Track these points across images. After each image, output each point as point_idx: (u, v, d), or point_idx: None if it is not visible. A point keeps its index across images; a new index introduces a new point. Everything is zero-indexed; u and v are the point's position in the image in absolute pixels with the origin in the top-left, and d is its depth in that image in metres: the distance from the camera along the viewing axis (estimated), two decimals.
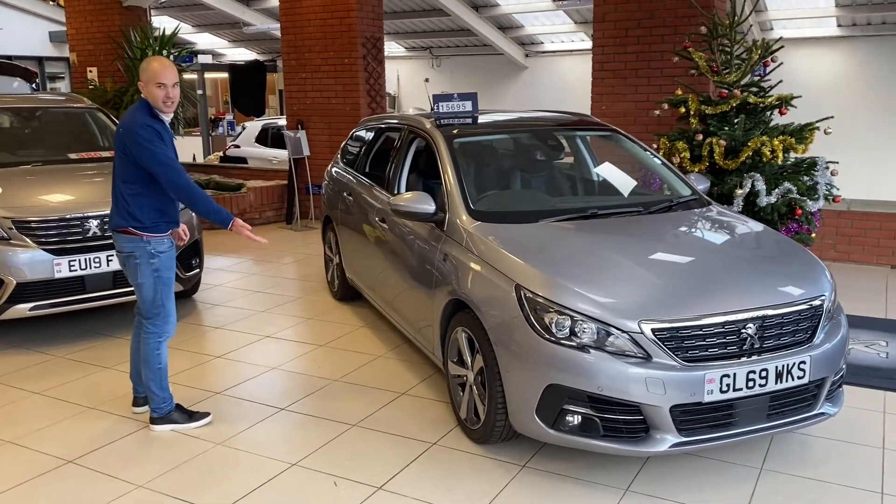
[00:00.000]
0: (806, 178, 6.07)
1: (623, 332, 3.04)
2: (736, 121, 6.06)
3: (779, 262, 3.56)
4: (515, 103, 15.31)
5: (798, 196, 5.93)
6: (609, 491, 3.20)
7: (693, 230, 3.89)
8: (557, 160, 4.80)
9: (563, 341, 3.09)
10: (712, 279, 3.32)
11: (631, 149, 4.73)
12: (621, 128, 5.04)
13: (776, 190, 5.97)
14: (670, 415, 3.01)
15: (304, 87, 9.87)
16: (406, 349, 4.94)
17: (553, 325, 3.12)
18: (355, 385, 4.39)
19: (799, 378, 3.17)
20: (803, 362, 3.17)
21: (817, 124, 5.99)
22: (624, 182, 4.51)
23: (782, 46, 6.19)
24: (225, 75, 17.75)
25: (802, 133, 5.98)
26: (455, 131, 4.53)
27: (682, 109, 6.29)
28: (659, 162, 4.66)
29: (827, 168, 6.06)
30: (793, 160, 6.14)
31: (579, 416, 3.11)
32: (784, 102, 6.00)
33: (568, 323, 3.11)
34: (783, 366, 3.12)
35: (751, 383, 3.07)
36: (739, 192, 5.93)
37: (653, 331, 3.03)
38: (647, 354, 3.02)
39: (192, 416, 3.90)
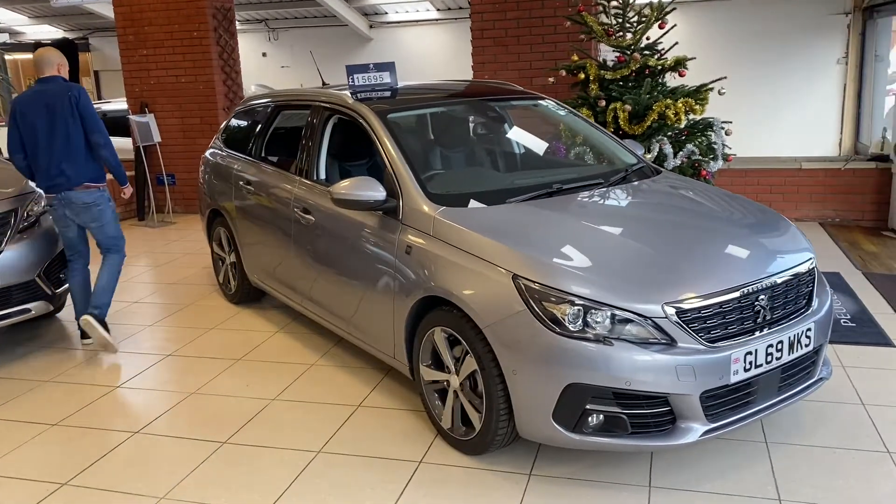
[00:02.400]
0: (704, 139, 6.17)
1: (646, 317, 2.76)
2: (642, 85, 5.99)
3: (767, 228, 3.44)
4: None
5: (700, 157, 6.01)
6: (634, 490, 2.94)
7: (669, 201, 3.68)
8: (499, 133, 4.44)
9: (579, 335, 2.76)
10: (717, 252, 3.13)
11: (565, 118, 4.47)
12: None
13: (681, 152, 6.01)
14: (700, 401, 2.79)
15: (146, 66, 8.80)
16: (339, 353, 4.42)
17: (566, 318, 2.78)
18: (299, 403, 3.83)
19: (806, 346, 3.07)
20: (809, 329, 3.06)
21: (711, 85, 6.07)
22: (577, 152, 4.24)
23: (674, 9, 6.21)
24: (29, 56, 15.63)
25: (699, 94, 6.03)
26: (386, 106, 4.04)
27: (582, 75, 6.15)
28: (597, 129, 4.43)
29: (722, 128, 6.17)
30: (689, 122, 6.19)
31: (602, 416, 2.81)
32: (681, 64, 6.01)
33: (581, 313, 2.78)
34: (794, 335, 3.00)
35: (769, 357, 2.92)
36: (648, 156, 5.91)
37: (677, 313, 2.78)
38: (672, 339, 2.76)
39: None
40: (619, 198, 3.63)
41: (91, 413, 3.83)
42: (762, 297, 2.95)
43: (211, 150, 5.68)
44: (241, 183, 4.96)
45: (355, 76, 4.41)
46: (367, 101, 4.09)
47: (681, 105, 5.82)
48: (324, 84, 5.41)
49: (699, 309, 2.81)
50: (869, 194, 7.18)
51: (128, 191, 4.80)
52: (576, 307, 2.78)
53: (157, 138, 8.60)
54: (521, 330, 2.84)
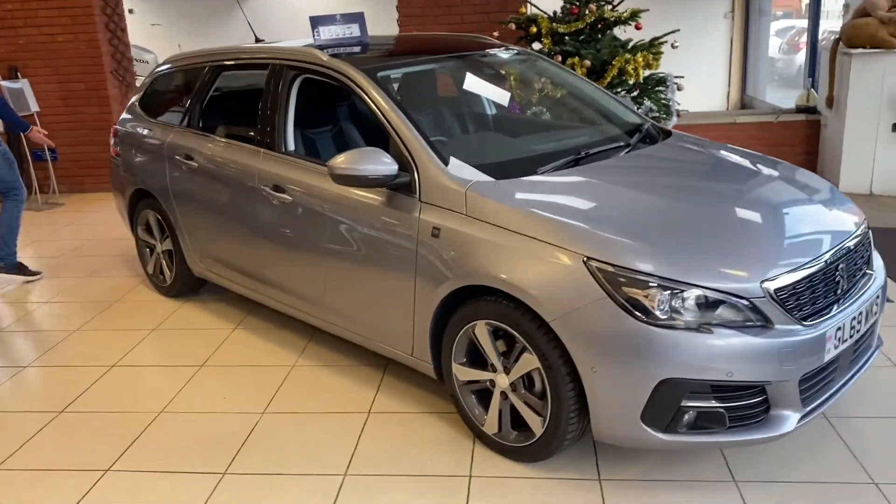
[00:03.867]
0: (658, 95, 5.96)
1: (743, 298, 2.44)
2: (594, 39, 5.68)
3: (818, 190, 3.20)
4: (239, 36, 13.60)
5: (658, 114, 5.81)
6: (722, 487, 2.65)
7: (711, 166, 3.34)
8: (500, 93, 3.95)
9: (671, 324, 2.41)
10: (790, 221, 2.85)
11: (560, 73, 4.07)
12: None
13: (640, 109, 5.77)
14: (797, 386, 2.52)
15: (12, 22, 7.56)
16: (319, 350, 3.88)
17: (656, 305, 2.42)
18: (296, 415, 3.28)
19: (875, 315, 2.88)
20: (877, 296, 2.87)
21: (664, 38, 5.85)
22: (577, 112, 3.85)
23: None
24: None
25: (653, 48, 5.79)
26: (373, 64, 3.48)
27: (534, 29, 5.76)
28: (592, 86, 4.05)
29: (675, 84, 5.99)
30: (644, 78, 5.96)
31: (695, 412, 2.48)
32: (636, 16, 5.74)
33: (670, 298, 2.43)
34: (868, 304, 2.79)
35: (852, 331, 2.69)
36: None
37: (775, 291, 2.48)
38: (767, 321, 2.46)
39: (25, 270, 5.24)
40: (657, 163, 3.28)
41: (31, 454, 3.12)
42: (841, 265, 2.71)
43: (127, 121, 4.86)
44: (178, 158, 4.24)
45: (320, 29, 3.82)
46: (345, 58, 3.51)
47: (640, 59, 5.56)
48: (257, 40, 4.73)
49: (793, 285, 2.53)
50: (799, 146, 7.28)
51: (35, 134, 5.33)
52: (666, 292, 2.42)
53: (34, 108, 7.44)
54: (601, 321, 2.45)
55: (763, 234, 2.70)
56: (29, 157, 7.59)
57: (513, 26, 5.92)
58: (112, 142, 5.02)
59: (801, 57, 16.53)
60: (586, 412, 2.63)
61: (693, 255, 2.53)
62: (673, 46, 5.85)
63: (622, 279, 2.45)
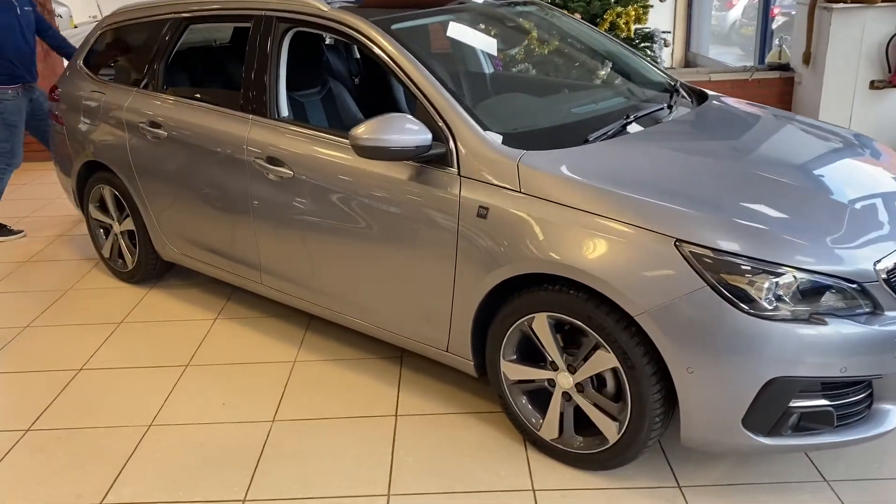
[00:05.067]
0: (646, 51, 5.66)
1: (854, 282, 2.16)
2: None
3: (877, 153, 2.94)
4: None
5: None
6: (814, 488, 2.40)
7: (778, 132, 3.00)
8: (523, 48, 3.52)
9: (779, 315, 2.11)
10: (875, 192, 2.57)
11: (576, 27, 3.68)
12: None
13: None
14: None
15: None
16: (319, 341, 3.45)
17: (763, 294, 2.11)
18: (312, 422, 2.86)
19: None
20: None
21: None
22: (602, 70, 3.48)
23: None
24: None
25: (642, 1, 5.47)
26: (383, 15, 3.01)
27: None
28: (614, 41, 3.68)
29: (663, 39, 5.70)
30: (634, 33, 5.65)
31: (800, 412, 2.21)
32: None
33: (776, 286, 2.12)
34: None
35: None
36: (602, 72, 5.29)
37: (888, 273, 2.20)
38: (876, 307, 2.19)
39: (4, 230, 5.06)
40: (720, 129, 2.96)
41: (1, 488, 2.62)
42: None
43: (71, 82, 4.22)
44: (141, 125, 3.67)
45: None
46: (353, 8, 3.03)
47: (632, 12, 5.23)
48: None
49: None
50: (774, 103, 7.13)
51: None
52: (774, 278, 2.11)
53: None
54: (699, 315, 2.13)
55: (863, 211, 2.42)
56: None
57: None
58: (54, 107, 4.38)
59: (734, 14, 16.56)
60: (670, 415, 2.33)
61: (798, 236, 2.22)
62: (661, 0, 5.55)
63: (722, 265, 2.12)
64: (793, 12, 13.71)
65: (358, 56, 4.48)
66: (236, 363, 3.31)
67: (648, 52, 5.56)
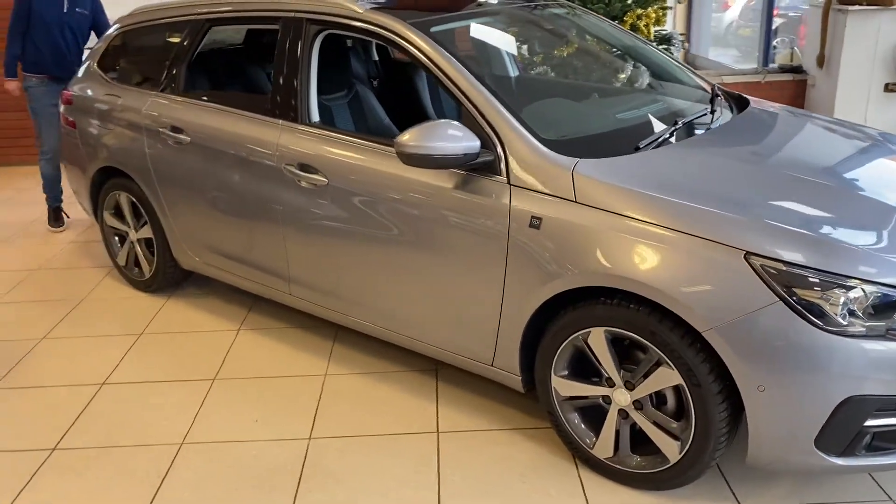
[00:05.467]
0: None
1: None
2: None
3: None
4: None
5: None
6: None
7: (832, 139, 2.94)
8: (562, 52, 3.43)
9: (855, 331, 2.03)
10: None
11: (604, 28, 3.59)
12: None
13: None
14: None
15: None
16: (348, 353, 3.35)
17: (839, 309, 2.03)
18: (351, 440, 2.76)
19: None
20: None
21: None
22: (637, 71, 3.39)
23: None
24: None
25: (659, 3, 5.40)
26: (421, 17, 2.92)
27: None
28: (647, 43, 3.60)
29: (681, 41, 5.63)
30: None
31: (876, 431, 2.13)
32: None
33: (851, 300, 2.04)
34: None
35: None
36: (622, 75, 5.22)
37: None
38: None
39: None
40: (774, 136, 2.87)
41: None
42: None
43: (84, 84, 4.09)
44: (162, 131, 3.55)
45: None
46: (388, 10, 2.93)
47: (652, 14, 5.15)
48: None
49: None
50: (787, 105, 7.08)
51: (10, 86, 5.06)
52: (849, 293, 2.03)
53: None
54: (772, 331, 2.04)
55: None
56: None
57: None
58: (63, 109, 4.25)
59: (731, 15, 16.54)
60: (734, 434, 2.25)
61: (873, 247, 2.14)
62: (679, 2, 5.48)
63: (793, 278, 2.04)
64: (790, 14, 13.68)
65: (376, 58, 4.39)
66: (265, 376, 3.20)
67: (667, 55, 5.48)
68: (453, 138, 2.45)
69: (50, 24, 4.82)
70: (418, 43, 2.74)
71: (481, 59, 3.11)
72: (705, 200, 2.24)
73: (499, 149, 2.50)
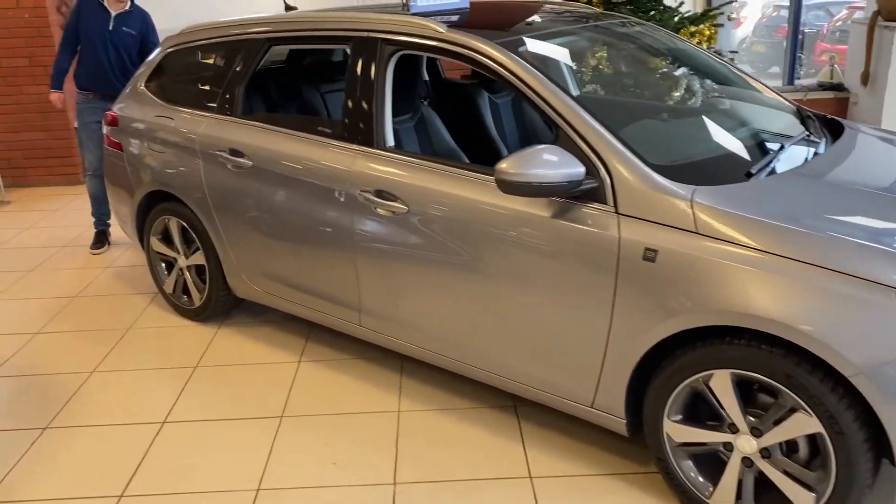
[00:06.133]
0: None
1: None
2: (649, 7, 5.09)
3: None
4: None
5: None
6: None
7: None
8: (652, 70, 3.27)
9: None
10: None
11: (683, 46, 3.45)
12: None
13: None
14: None
15: None
16: (419, 388, 3.18)
17: None
18: (439, 485, 2.58)
19: None
20: None
21: (721, 9, 5.33)
22: (725, 92, 3.24)
23: None
24: None
25: (709, 20, 5.27)
26: (507, 36, 2.77)
27: None
28: (723, 62, 3.45)
29: (732, 59, 5.50)
30: None
31: None
32: None
33: None
34: None
35: None
36: (676, 94, 5.08)
37: None
38: None
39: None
40: (879, 160, 2.72)
41: None
42: None
43: (132, 105, 3.95)
44: (220, 154, 3.40)
45: None
46: (471, 30, 2.78)
47: (706, 31, 5.02)
48: (287, 8, 3.93)
49: None
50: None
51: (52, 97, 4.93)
52: None
53: None
54: None
55: None
56: None
57: None
58: (105, 130, 4.11)
59: (743, 31, 16.45)
60: (874, 483, 2.07)
61: None
62: (730, 18, 5.35)
63: None
64: (806, 30, 13.58)
65: (427, 78, 4.25)
66: (335, 413, 3.02)
67: None
68: (556, 165, 2.30)
69: (95, 41, 4.72)
70: (509, 64, 2.59)
71: (570, 79, 2.96)
72: (845, 232, 2.08)
73: (604, 175, 2.34)
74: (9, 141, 6.75)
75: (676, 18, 4.94)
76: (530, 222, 2.47)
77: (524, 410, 2.98)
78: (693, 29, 4.93)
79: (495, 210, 2.55)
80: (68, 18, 4.81)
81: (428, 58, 4.17)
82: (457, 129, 3.72)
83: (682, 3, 5.15)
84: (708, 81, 3.25)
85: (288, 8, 3.90)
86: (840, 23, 13.63)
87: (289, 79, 3.77)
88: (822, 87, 7.08)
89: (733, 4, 5.29)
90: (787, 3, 8.04)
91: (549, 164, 2.30)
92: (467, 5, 3.23)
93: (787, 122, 2.98)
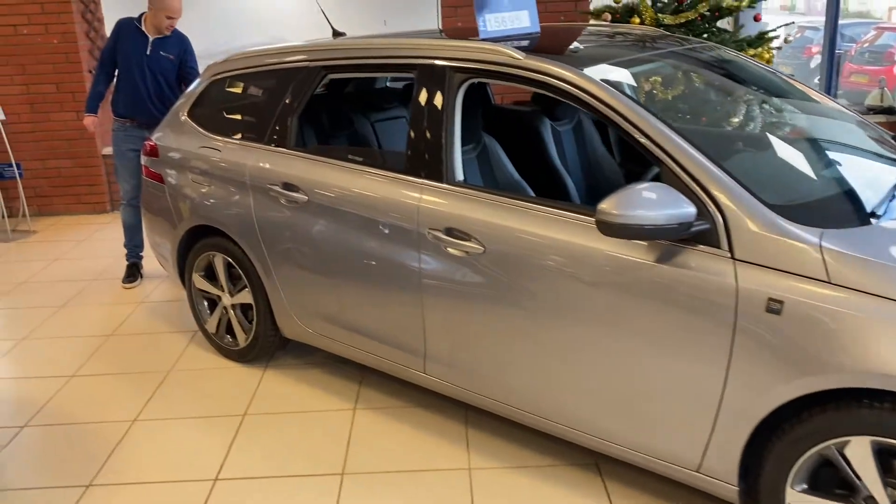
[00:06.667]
0: None
1: None
2: (705, 31, 4.89)
3: None
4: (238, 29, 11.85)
5: None
6: None
7: None
8: (751, 101, 3.05)
9: None
10: None
11: (767, 73, 3.23)
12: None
13: None
14: None
15: None
16: (488, 442, 2.94)
17: None
18: None
19: None
20: None
21: (777, 31, 5.12)
22: (820, 121, 3.01)
23: None
24: None
25: (765, 42, 5.06)
26: (593, 65, 2.56)
27: (636, 20, 4.92)
28: (806, 87, 3.23)
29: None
30: None
31: None
32: (754, 3, 4.98)
33: None
34: None
35: None
36: (735, 120, 4.87)
37: None
38: None
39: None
40: None
41: None
42: None
43: (174, 135, 3.76)
44: (272, 188, 3.20)
45: (487, 16, 2.86)
46: (544, 55, 2.58)
47: (765, 55, 4.81)
48: (335, 34, 3.74)
49: None
50: None
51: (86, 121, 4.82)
52: None
53: None
54: None
55: None
56: None
57: (607, 16, 5.06)
58: (144, 160, 3.92)
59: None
60: None
61: None
62: (786, 41, 5.14)
63: None
64: (836, 52, 13.36)
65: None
66: (401, 470, 2.78)
67: None
68: (664, 205, 2.08)
69: (132, 66, 4.56)
70: (601, 95, 2.38)
71: (666, 110, 2.75)
72: None
73: (717, 217, 2.12)
74: (35, 169, 6.59)
75: (734, 41, 4.73)
76: (630, 267, 2.24)
77: (606, 468, 2.73)
78: (752, 52, 4.72)
79: (589, 253, 2.32)
80: (106, 43, 4.68)
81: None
82: (518, 159, 3.52)
83: (742, 27, 4.94)
84: (795, 109, 3.03)
85: (336, 34, 3.69)
86: (867, 44, 13.42)
87: (338, 108, 3.57)
88: (872, 110, 6.84)
89: (790, 25, 5.06)
90: (806, 24, 7.87)
91: (656, 204, 2.08)
92: (538, 29, 3.03)
93: (886, 154, 2.75)
